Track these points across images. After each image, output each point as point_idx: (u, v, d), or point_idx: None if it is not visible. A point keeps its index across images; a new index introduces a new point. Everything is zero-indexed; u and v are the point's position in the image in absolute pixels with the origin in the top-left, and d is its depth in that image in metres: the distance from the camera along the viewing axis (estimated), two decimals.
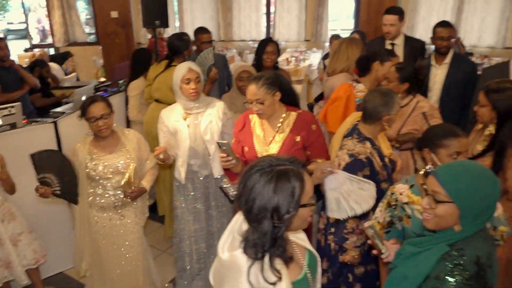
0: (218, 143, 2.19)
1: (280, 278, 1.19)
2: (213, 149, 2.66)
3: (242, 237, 1.25)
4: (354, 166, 2.15)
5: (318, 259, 1.48)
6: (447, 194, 1.29)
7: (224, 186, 2.45)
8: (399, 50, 3.71)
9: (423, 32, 8.21)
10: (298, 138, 2.27)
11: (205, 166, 2.72)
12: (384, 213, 1.92)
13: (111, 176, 2.50)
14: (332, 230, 2.27)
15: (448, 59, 3.28)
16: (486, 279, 1.23)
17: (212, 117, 2.66)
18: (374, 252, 1.73)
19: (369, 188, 1.94)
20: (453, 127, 1.84)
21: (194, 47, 4.10)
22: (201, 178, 2.77)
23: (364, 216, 2.15)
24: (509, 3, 7.78)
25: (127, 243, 2.63)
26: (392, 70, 2.68)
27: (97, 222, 2.58)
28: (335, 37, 5.17)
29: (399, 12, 3.62)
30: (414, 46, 3.72)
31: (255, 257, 1.21)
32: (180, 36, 3.78)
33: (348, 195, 1.84)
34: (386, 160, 2.28)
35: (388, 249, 1.66)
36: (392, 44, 3.72)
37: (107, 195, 2.54)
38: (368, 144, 2.21)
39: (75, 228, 2.68)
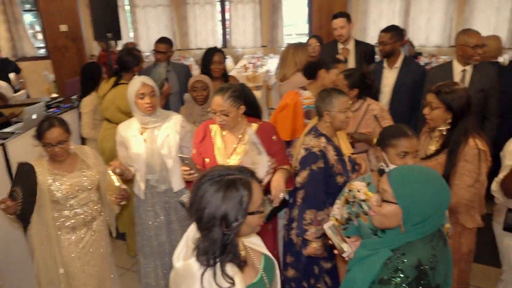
0: (180, 157, 2.17)
1: (233, 283, 1.23)
2: (171, 163, 2.63)
3: (194, 245, 1.29)
4: (308, 159, 2.29)
5: (275, 262, 1.50)
6: (393, 194, 1.32)
7: (185, 200, 2.42)
8: (351, 54, 3.82)
9: (375, 35, 8.48)
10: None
11: (163, 180, 2.68)
12: (342, 210, 1.96)
13: (77, 194, 2.44)
14: (293, 225, 2.35)
15: (398, 62, 3.40)
16: (428, 281, 1.27)
17: (169, 131, 2.63)
18: (335, 251, 1.76)
19: None
20: (404, 128, 1.89)
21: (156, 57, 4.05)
22: (161, 192, 2.72)
23: (321, 206, 2.25)
24: (452, 3, 8.21)
25: (97, 259, 2.59)
26: (340, 77, 2.74)
27: (69, 245, 2.48)
28: None
29: (346, 15, 3.77)
30: (363, 50, 3.85)
31: (207, 264, 1.25)
32: (131, 51, 3.64)
33: None
34: (346, 158, 2.36)
35: (351, 247, 1.69)
36: (345, 48, 3.84)
37: (75, 214, 2.47)
38: (322, 139, 2.32)
39: (36, 258, 2.49)
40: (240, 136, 2.31)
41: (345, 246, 1.70)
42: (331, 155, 2.30)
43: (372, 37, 8.45)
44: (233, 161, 2.27)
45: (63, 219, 2.46)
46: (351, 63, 3.80)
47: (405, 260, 1.29)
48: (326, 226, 1.78)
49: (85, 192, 2.47)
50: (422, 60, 6.91)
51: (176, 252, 1.36)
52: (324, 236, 2.22)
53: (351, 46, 3.85)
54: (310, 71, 2.93)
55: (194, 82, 3.15)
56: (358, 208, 1.89)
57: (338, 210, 2.01)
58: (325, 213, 2.26)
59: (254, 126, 2.35)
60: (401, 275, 1.26)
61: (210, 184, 1.26)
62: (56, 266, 2.47)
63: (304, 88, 2.96)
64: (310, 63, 3.00)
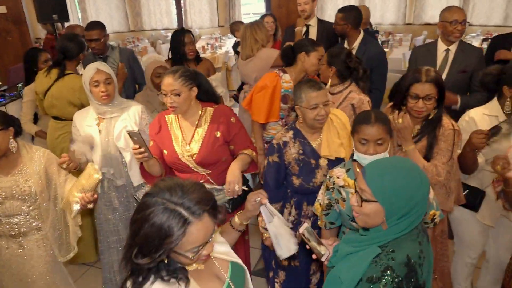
0: (128, 132, 2.00)
1: None
2: (129, 157, 2.46)
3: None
4: (268, 150, 2.21)
5: (245, 268, 1.42)
6: (371, 193, 1.27)
7: (141, 196, 2.29)
8: (313, 32, 3.76)
9: (332, 13, 8.53)
10: (218, 134, 2.19)
11: (120, 174, 2.52)
12: (324, 195, 1.94)
13: (3, 201, 2.11)
14: None
15: (356, 43, 3.37)
16: (417, 278, 1.24)
17: (127, 122, 2.45)
18: (314, 256, 1.65)
19: (289, 231, 1.68)
20: (370, 115, 1.80)
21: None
22: (118, 187, 2.57)
23: (273, 198, 2.12)
24: None
25: (28, 277, 2.24)
26: (325, 53, 2.67)
27: None
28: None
29: None
30: (327, 28, 3.78)
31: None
32: (72, 37, 3.19)
33: (279, 230, 1.63)
34: (321, 161, 2.14)
35: (328, 250, 1.64)
36: (307, 25, 3.75)
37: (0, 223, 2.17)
38: (290, 133, 2.19)
39: None
40: (196, 122, 2.21)
41: (322, 249, 1.64)
42: (291, 152, 2.15)
43: (329, 16, 8.46)
44: (194, 148, 2.17)
45: None
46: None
47: (395, 257, 1.24)
48: (301, 230, 1.71)
49: (14, 201, 2.12)
50: (379, 38, 6.99)
51: None
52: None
53: (313, 23, 3.78)
54: (288, 56, 2.82)
55: (157, 68, 2.96)
56: (337, 194, 1.86)
57: (322, 195, 1.97)
58: (277, 206, 2.20)
59: (210, 109, 2.24)
60: (391, 273, 1.22)
61: (150, 202, 1.11)
62: None
63: (284, 71, 2.85)
64: (286, 47, 2.88)
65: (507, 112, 2.16)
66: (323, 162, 2.13)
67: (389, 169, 1.29)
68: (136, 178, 2.49)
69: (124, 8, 9.06)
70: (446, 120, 2.10)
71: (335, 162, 2.10)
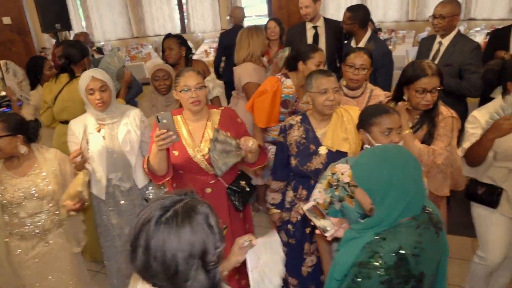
0: (157, 116, 1.93)
1: None
2: (134, 160, 2.51)
3: None
4: (279, 132, 2.37)
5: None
6: (353, 177, 1.37)
7: (151, 196, 2.31)
8: (322, 32, 3.75)
9: (334, 12, 8.51)
10: (229, 134, 2.22)
11: (127, 178, 2.55)
12: (324, 194, 1.92)
13: (23, 202, 2.23)
14: None
15: (362, 42, 3.40)
16: (409, 269, 1.24)
17: (129, 126, 2.49)
18: (317, 231, 1.70)
19: (277, 246, 1.62)
20: (383, 106, 1.88)
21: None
22: (125, 190, 2.59)
23: (275, 176, 2.39)
24: None
25: (54, 271, 2.40)
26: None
27: (19, 253, 2.33)
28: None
29: None
30: (333, 26, 3.79)
31: None
32: (74, 43, 3.41)
33: (264, 272, 1.58)
34: (321, 149, 2.20)
35: (333, 224, 1.65)
36: (315, 27, 3.75)
37: (23, 224, 2.29)
38: (298, 117, 2.28)
39: None
40: (205, 123, 2.25)
41: (327, 224, 1.64)
42: (294, 134, 2.26)
43: (331, 14, 8.44)
44: (205, 149, 2.19)
45: (14, 227, 2.31)
46: (322, 43, 3.73)
47: (385, 245, 1.27)
48: (305, 208, 1.72)
49: (34, 201, 2.26)
50: (382, 36, 6.97)
51: None
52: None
53: (320, 24, 3.75)
54: (291, 65, 2.84)
55: (156, 71, 3.02)
56: (342, 191, 1.85)
57: (319, 194, 1.95)
58: (279, 184, 2.38)
59: (216, 112, 2.29)
60: (379, 260, 1.24)
61: (162, 225, 1.01)
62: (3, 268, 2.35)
63: (286, 76, 2.85)
64: (290, 57, 2.90)
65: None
66: (322, 151, 2.20)
67: (369, 156, 1.36)
68: (141, 180, 2.55)
69: (127, 15, 9.11)
70: (444, 108, 2.12)
71: (335, 154, 2.16)
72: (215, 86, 3.44)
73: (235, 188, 2.26)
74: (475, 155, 2.18)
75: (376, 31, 7.08)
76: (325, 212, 1.90)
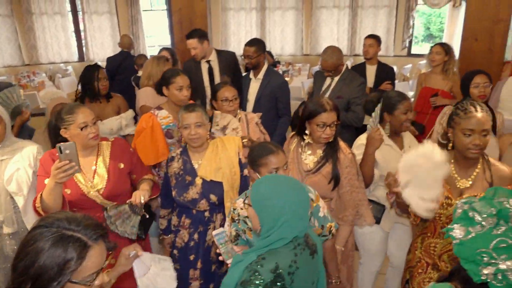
0: (59, 147, 1.82)
1: None
2: (22, 202, 2.29)
3: None
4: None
5: None
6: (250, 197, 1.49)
7: None
8: (215, 66, 3.87)
9: (236, 45, 8.91)
10: (122, 165, 2.19)
11: (10, 221, 2.32)
12: (231, 228, 1.98)
13: None
14: None
15: (261, 73, 3.60)
16: (284, 284, 1.38)
17: (20, 164, 2.28)
18: (220, 258, 1.81)
19: (169, 267, 1.77)
20: (268, 145, 1.98)
21: None
22: (5, 234, 2.35)
23: (163, 205, 2.48)
24: (300, 16, 9.06)
25: None
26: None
27: None
28: None
29: (199, 35, 3.69)
30: (227, 59, 3.93)
31: None
32: None
33: (155, 280, 1.70)
34: (197, 179, 2.29)
35: (234, 255, 1.72)
36: (208, 62, 3.85)
37: None
38: (178, 150, 2.39)
39: None
40: (94, 157, 2.18)
41: (229, 253, 1.73)
42: (174, 166, 2.34)
43: (233, 47, 8.82)
44: (99, 184, 2.12)
45: None
46: (217, 76, 3.85)
47: (263, 264, 1.39)
48: (214, 233, 1.79)
49: None
50: (281, 68, 7.45)
51: None
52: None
53: (213, 58, 3.87)
54: (159, 90, 2.88)
55: (56, 105, 2.85)
56: (243, 224, 1.92)
57: (228, 227, 2.01)
58: (166, 211, 2.47)
59: (106, 143, 2.25)
60: (258, 277, 1.35)
61: (43, 232, 1.09)
62: None
63: (159, 108, 2.84)
64: (157, 84, 2.94)
65: (387, 134, 2.48)
66: (198, 181, 2.29)
67: (267, 182, 1.49)
68: (31, 223, 2.30)
69: (17, 41, 8.46)
70: (343, 145, 2.34)
71: (209, 184, 2.28)
72: (130, 124, 3.38)
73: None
74: (363, 172, 2.45)
75: (275, 63, 7.58)
76: (234, 244, 1.98)
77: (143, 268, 1.61)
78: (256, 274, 1.36)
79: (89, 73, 3.36)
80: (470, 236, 1.07)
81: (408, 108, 2.43)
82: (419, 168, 1.72)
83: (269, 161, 1.89)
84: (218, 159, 2.31)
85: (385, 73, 4.20)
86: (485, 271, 1.01)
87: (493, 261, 1.01)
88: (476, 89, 2.86)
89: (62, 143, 1.85)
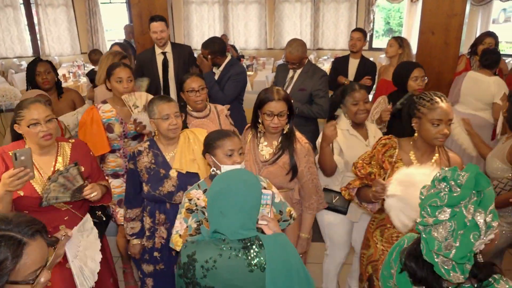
0: (15, 153, 1.73)
1: None
2: None
3: None
4: (128, 158, 2.37)
5: None
6: None
7: None
8: (170, 58, 3.83)
9: (199, 39, 8.79)
10: (82, 168, 2.08)
11: None
12: (184, 223, 1.92)
13: None
14: None
15: (222, 66, 3.57)
16: (194, 275, 1.44)
17: None
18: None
19: (90, 227, 1.78)
20: (225, 130, 2.00)
21: None
22: None
23: (128, 205, 2.34)
24: (263, 10, 9.06)
25: None
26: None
27: None
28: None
29: (164, 19, 3.72)
30: (181, 51, 3.91)
31: None
32: None
33: (85, 255, 1.69)
34: (171, 172, 2.24)
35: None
36: (164, 53, 3.81)
37: None
38: (146, 144, 2.30)
39: None
40: (54, 158, 2.07)
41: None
42: (143, 160, 2.25)
43: (196, 42, 8.70)
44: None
45: None
46: (171, 68, 3.81)
47: (187, 245, 1.50)
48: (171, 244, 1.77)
49: None
50: (245, 62, 7.42)
51: None
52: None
53: (168, 50, 3.84)
54: (107, 87, 2.80)
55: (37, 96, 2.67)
56: (201, 215, 1.89)
57: (180, 225, 1.95)
58: (135, 211, 2.34)
59: (66, 144, 2.14)
60: (180, 258, 1.47)
61: None
62: None
63: (104, 102, 2.79)
64: (106, 78, 2.83)
65: (351, 125, 2.52)
66: (173, 174, 2.24)
67: (223, 175, 1.58)
68: None
69: None
70: (299, 135, 2.34)
71: (185, 176, 2.23)
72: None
73: (94, 220, 2.14)
74: (322, 164, 2.48)
75: (239, 58, 7.55)
76: (198, 233, 1.94)
77: (74, 248, 1.59)
78: (182, 255, 1.48)
79: (30, 68, 3.23)
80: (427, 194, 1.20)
81: (358, 99, 2.43)
82: (414, 188, 1.63)
83: (224, 143, 1.89)
84: (192, 151, 2.28)
85: (367, 67, 4.24)
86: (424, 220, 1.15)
87: (427, 216, 1.15)
88: (415, 82, 2.90)
89: (18, 150, 1.75)
